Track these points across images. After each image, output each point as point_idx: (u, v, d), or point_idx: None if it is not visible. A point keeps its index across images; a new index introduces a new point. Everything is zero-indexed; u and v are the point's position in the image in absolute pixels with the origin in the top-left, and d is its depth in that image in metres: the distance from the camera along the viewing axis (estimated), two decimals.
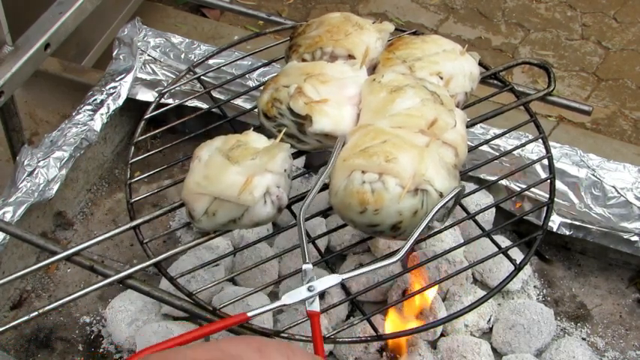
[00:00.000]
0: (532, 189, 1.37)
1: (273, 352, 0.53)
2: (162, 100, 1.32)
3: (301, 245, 0.81)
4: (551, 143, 1.25)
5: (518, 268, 1.06)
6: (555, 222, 1.42)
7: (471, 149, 1.08)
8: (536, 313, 1.30)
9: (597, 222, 1.41)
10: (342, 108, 1.03)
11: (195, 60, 1.58)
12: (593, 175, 1.41)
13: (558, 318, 1.38)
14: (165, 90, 1.33)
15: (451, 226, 1.13)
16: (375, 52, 1.16)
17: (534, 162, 1.27)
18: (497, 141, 1.39)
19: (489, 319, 1.32)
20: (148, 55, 1.60)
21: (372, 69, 1.17)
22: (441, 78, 1.11)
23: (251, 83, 1.51)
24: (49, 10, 1.35)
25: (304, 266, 0.78)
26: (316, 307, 0.74)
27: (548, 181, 1.19)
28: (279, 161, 0.98)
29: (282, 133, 1.03)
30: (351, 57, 1.14)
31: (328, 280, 0.78)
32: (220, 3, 1.61)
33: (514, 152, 1.36)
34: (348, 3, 2.80)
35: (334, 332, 1.04)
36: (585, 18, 2.77)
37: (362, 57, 1.13)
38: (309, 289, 0.76)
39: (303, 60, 1.16)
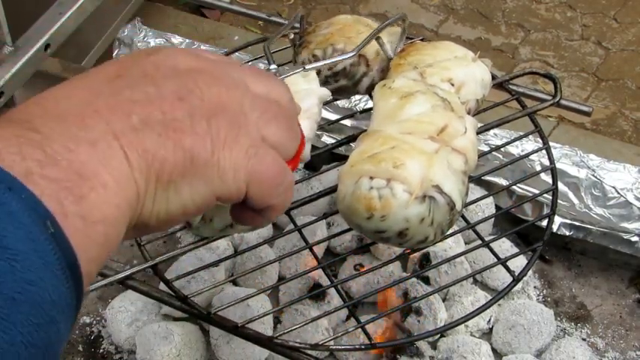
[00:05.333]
0: (534, 191, 1.38)
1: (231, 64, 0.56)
2: None
3: None
4: (551, 143, 1.24)
5: (516, 280, 1.06)
6: (555, 222, 1.42)
7: (480, 156, 1.07)
8: (537, 313, 1.30)
9: (597, 222, 1.40)
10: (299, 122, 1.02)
11: None
12: (593, 175, 1.41)
13: (558, 318, 1.38)
14: None
15: (451, 235, 1.13)
16: (385, 54, 1.16)
17: (538, 173, 1.30)
18: (499, 144, 1.39)
19: (489, 320, 1.32)
20: None
21: (381, 72, 1.16)
22: (452, 84, 1.10)
23: None
24: (49, 11, 1.34)
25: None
26: None
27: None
28: None
29: None
30: (361, 56, 1.14)
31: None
32: (220, 3, 1.61)
33: (515, 155, 1.38)
34: (348, 3, 2.80)
35: (327, 339, 1.04)
36: (585, 18, 2.77)
37: (374, 56, 1.14)
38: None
39: (314, 56, 1.16)
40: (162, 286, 1.20)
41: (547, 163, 1.21)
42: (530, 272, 1.42)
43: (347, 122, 1.46)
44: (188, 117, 0.47)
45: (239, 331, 1.02)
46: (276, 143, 0.53)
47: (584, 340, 1.36)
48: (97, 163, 0.42)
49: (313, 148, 1.07)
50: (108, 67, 0.49)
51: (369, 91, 1.20)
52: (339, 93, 1.17)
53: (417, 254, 1.34)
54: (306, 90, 1.07)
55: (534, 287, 1.42)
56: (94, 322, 1.35)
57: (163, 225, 0.49)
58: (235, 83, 0.52)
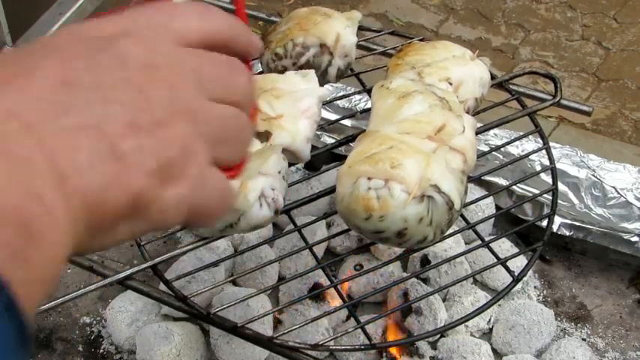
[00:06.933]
0: (534, 191, 1.38)
1: (187, 14, 0.51)
2: None
3: None
4: (551, 144, 1.24)
5: (516, 280, 1.06)
6: (555, 223, 1.42)
7: (479, 155, 1.07)
8: (537, 313, 1.30)
9: (597, 222, 1.40)
10: (298, 122, 1.02)
11: None
12: (594, 175, 1.41)
13: (558, 319, 1.38)
14: None
15: (451, 235, 1.13)
16: (346, 40, 1.17)
17: (538, 173, 1.30)
18: (498, 144, 1.39)
19: (489, 320, 1.32)
20: None
21: (345, 58, 1.18)
22: (450, 83, 1.10)
23: None
24: (49, 11, 1.35)
25: None
26: None
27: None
28: (272, 163, 0.97)
29: (272, 135, 1.02)
30: (322, 45, 1.15)
31: None
32: (220, 3, 1.61)
33: (516, 155, 1.38)
34: (348, 3, 2.80)
35: (327, 340, 1.04)
36: (585, 19, 2.77)
37: (334, 43, 1.15)
38: None
39: (276, 55, 1.16)
40: (162, 286, 1.21)
41: (547, 163, 1.21)
42: (530, 272, 1.42)
43: (347, 122, 1.46)
44: (138, 150, 0.45)
45: (239, 331, 1.02)
46: (226, 161, 0.52)
47: (584, 340, 1.36)
48: (42, 214, 0.41)
49: (313, 148, 1.07)
50: (53, 63, 0.45)
51: (339, 79, 1.22)
52: None
53: (417, 254, 1.34)
54: (306, 90, 1.07)
55: (534, 287, 1.42)
56: (94, 322, 1.35)
57: (98, 250, 0.51)
58: (194, 91, 0.49)
